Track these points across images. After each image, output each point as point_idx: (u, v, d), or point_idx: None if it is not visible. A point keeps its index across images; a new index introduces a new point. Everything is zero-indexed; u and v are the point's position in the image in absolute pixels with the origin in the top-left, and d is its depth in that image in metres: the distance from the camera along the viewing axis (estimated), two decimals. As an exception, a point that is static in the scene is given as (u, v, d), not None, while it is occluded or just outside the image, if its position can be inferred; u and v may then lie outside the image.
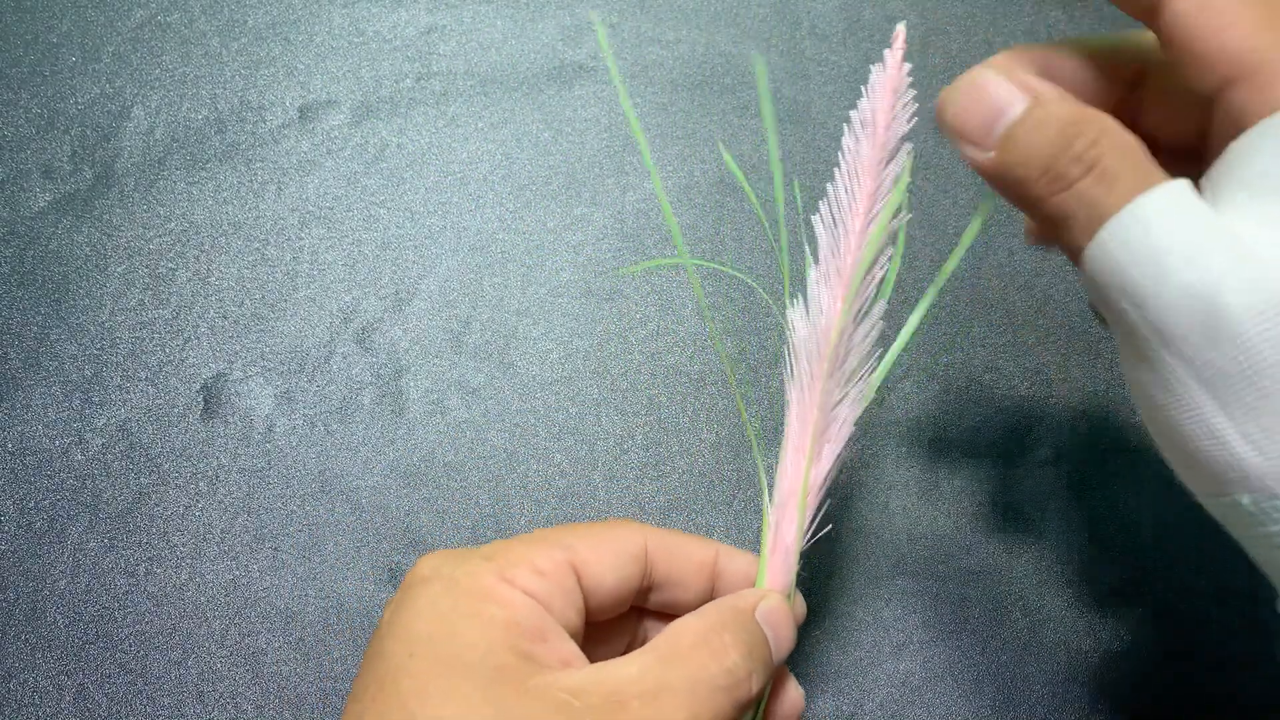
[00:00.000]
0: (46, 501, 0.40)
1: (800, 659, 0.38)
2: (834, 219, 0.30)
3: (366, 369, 0.42)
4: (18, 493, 0.40)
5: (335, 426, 0.41)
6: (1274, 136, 0.23)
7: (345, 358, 0.42)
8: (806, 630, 0.39)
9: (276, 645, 0.38)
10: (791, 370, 0.31)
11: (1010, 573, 0.40)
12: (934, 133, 0.44)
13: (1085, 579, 0.40)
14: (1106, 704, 0.38)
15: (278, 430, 0.41)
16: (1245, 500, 0.23)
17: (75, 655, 0.38)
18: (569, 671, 0.26)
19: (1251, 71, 0.24)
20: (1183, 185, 0.24)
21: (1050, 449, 0.41)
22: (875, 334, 0.31)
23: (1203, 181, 0.25)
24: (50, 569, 0.39)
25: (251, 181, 0.44)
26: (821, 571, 0.40)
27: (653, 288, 0.43)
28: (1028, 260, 0.44)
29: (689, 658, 0.27)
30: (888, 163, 0.30)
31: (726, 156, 0.37)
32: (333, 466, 0.41)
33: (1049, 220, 0.25)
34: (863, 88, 0.30)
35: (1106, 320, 0.26)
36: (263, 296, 0.43)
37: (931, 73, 0.46)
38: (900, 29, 0.30)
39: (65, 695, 0.38)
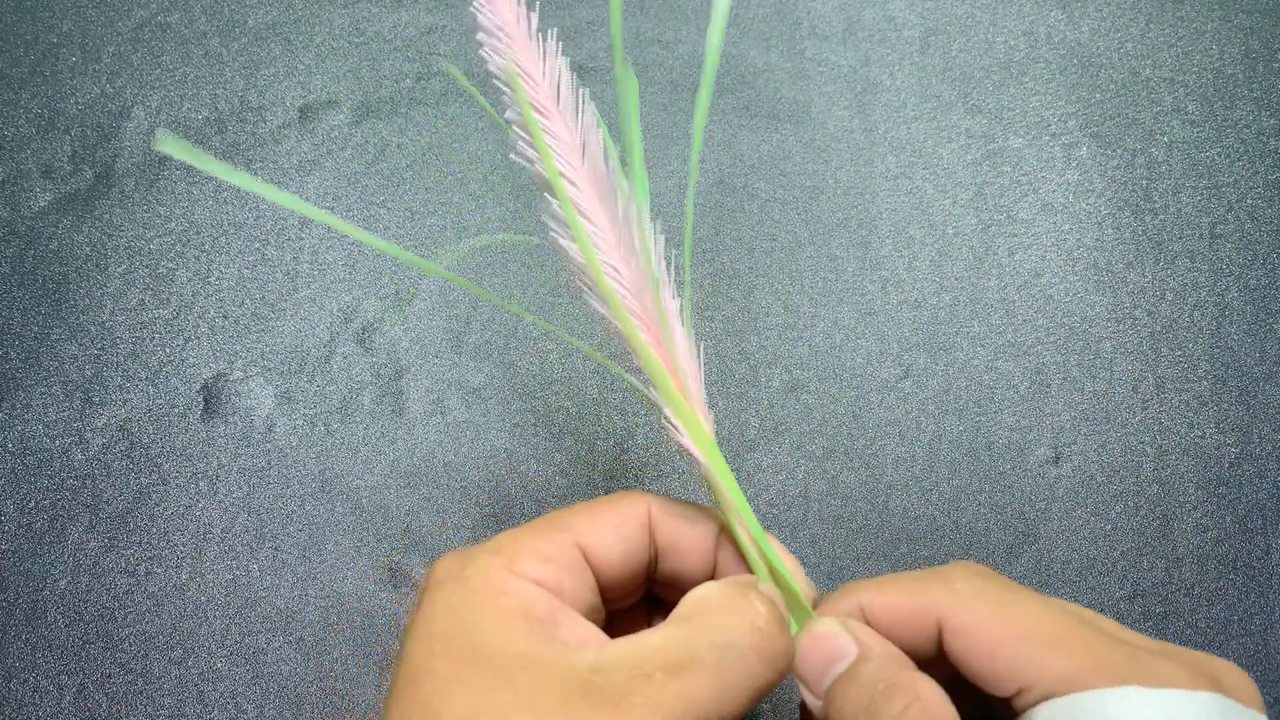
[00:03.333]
0: (46, 501, 0.40)
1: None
2: (545, 139, 0.30)
3: (366, 369, 0.42)
4: (18, 493, 0.40)
5: (335, 426, 0.41)
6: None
7: (345, 358, 0.42)
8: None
9: (276, 645, 0.38)
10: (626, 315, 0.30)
11: (1011, 573, 0.40)
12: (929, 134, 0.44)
13: (1085, 580, 0.40)
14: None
15: (278, 430, 0.41)
16: None
17: (75, 655, 0.38)
18: (589, 650, 0.26)
19: (1033, 681, 0.25)
20: None
21: (1050, 449, 0.41)
22: (654, 233, 0.30)
23: None
24: (50, 569, 0.39)
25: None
26: (822, 572, 0.40)
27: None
28: (1028, 260, 0.44)
29: (715, 622, 0.26)
30: (544, 57, 0.29)
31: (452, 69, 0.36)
32: (333, 466, 0.41)
33: None
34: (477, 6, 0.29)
35: None
36: (263, 296, 0.43)
37: (931, 72, 0.46)
38: None
39: (65, 695, 0.38)
